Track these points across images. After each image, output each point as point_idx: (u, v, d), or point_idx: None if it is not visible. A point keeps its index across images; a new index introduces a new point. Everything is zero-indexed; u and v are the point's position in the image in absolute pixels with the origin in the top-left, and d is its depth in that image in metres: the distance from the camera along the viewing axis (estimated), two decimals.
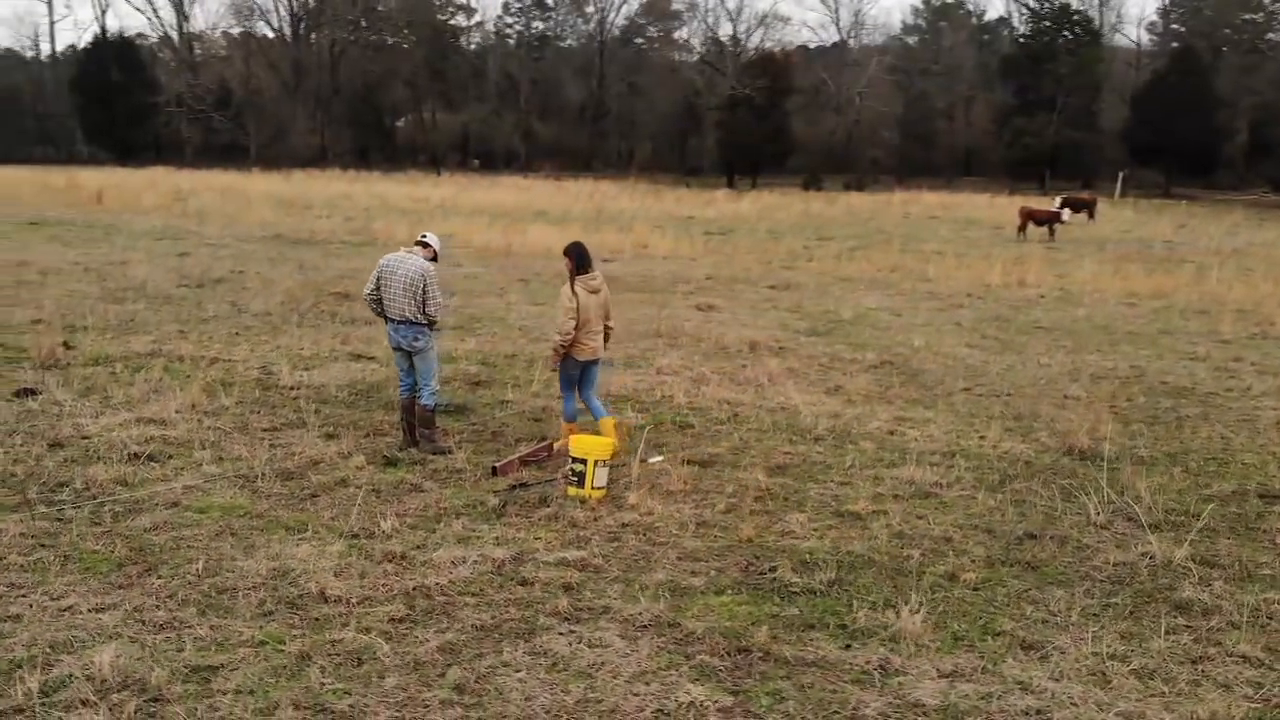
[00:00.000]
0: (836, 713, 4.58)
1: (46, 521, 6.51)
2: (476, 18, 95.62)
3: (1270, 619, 5.73)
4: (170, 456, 8.25)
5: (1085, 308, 19.03)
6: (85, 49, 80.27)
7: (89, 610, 5.18)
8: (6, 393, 10.01)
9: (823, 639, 5.33)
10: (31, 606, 5.22)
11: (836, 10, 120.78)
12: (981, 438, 9.80)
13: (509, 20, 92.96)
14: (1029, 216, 34.24)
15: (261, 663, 4.74)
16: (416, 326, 8.63)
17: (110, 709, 4.24)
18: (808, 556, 6.50)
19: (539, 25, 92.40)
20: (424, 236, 9.06)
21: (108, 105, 72.90)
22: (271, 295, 17.24)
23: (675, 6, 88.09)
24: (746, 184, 68.96)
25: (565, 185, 58.00)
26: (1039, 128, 67.60)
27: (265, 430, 9.19)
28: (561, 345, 8.72)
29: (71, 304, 15.67)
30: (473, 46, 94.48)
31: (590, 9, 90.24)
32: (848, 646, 5.24)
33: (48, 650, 4.72)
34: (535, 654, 5.01)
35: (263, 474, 7.75)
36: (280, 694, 4.43)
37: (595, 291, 8.86)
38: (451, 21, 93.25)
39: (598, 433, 8.71)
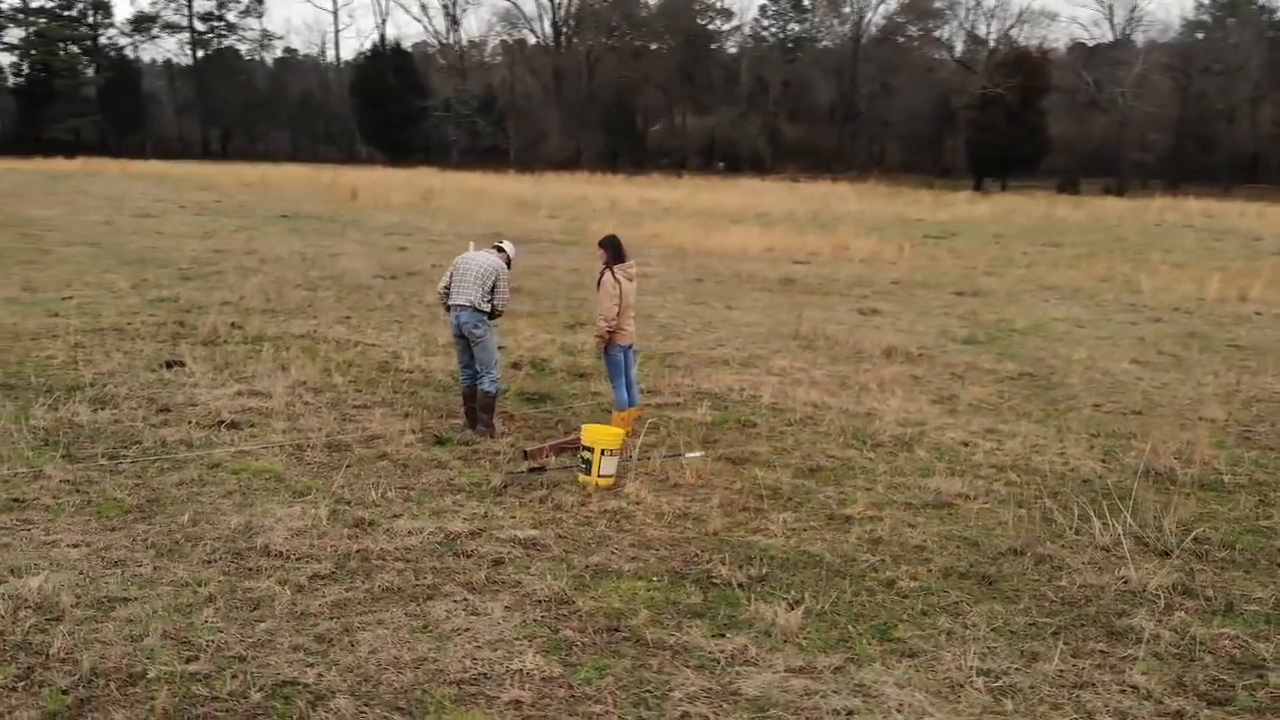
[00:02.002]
0: (650, 692, 4.69)
1: (96, 471, 7.46)
2: (734, 21, 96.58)
3: (1210, 654, 5.29)
4: (251, 425, 9.15)
5: None
6: (365, 56, 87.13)
7: (66, 545, 5.99)
8: (158, 363, 11.32)
9: (701, 626, 5.41)
10: (23, 539, 6.09)
11: (1110, 6, 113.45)
12: (1060, 454, 9.32)
13: (765, 23, 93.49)
14: None
15: (168, 599, 5.35)
16: (478, 314, 9.15)
17: (11, 619, 4.96)
18: (757, 553, 6.51)
19: (794, 27, 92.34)
20: (501, 243, 9.67)
21: (383, 108, 78.77)
22: None
23: (936, 4, 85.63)
24: (995, 186, 66.27)
25: (800, 187, 57.77)
26: None
27: (354, 407, 9.98)
28: (606, 330, 9.13)
29: (268, 288, 17.32)
30: (732, 49, 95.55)
31: (847, 9, 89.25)
32: (720, 635, 5.29)
33: (4, 572, 5.52)
34: (413, 616, 5.37)
35: (314, 444, 8.49)
36: (157, 624, 5.01)
37: (631, 279, 9.36)
38: (710, 26, 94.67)
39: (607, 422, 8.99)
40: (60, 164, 56.36)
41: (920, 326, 16.60)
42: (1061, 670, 5.05)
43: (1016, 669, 5.05)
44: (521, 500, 7.43)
